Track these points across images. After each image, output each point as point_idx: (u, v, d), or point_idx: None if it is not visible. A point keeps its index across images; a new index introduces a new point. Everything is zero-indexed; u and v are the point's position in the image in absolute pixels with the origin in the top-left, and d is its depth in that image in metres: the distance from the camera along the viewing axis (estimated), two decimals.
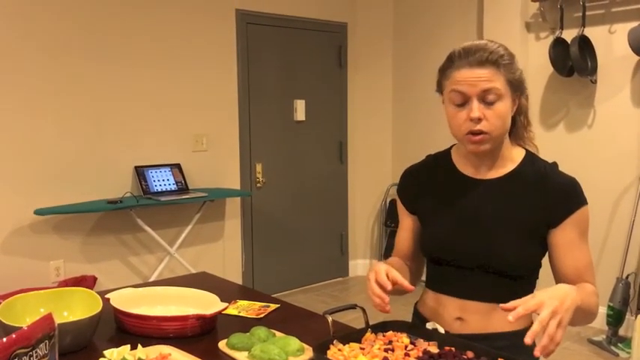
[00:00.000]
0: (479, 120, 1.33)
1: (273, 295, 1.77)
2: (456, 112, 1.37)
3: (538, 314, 1.14)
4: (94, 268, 3.71)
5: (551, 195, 1.38)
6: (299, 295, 4.56)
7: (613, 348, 3.48)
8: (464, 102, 1.35)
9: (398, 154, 5.05)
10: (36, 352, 0.96)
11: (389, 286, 1.30)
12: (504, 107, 1.35)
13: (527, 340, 1.10)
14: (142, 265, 3.92)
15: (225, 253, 4.33)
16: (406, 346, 1.32)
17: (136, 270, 3.89)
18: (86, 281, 3.55)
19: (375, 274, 1.33)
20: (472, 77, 1.33)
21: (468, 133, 1.36)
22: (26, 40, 3.39)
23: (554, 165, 1.44)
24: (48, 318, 1.02)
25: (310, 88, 4.72)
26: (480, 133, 1.34)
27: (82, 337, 1.35)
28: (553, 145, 3.91)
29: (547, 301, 1.15)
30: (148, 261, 3.94)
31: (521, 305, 1.15)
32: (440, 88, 1.44)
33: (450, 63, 1.38)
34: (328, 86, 4.85)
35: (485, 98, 1.33)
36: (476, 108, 1.33)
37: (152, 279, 3.78)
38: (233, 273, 4.33)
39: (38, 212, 3.31)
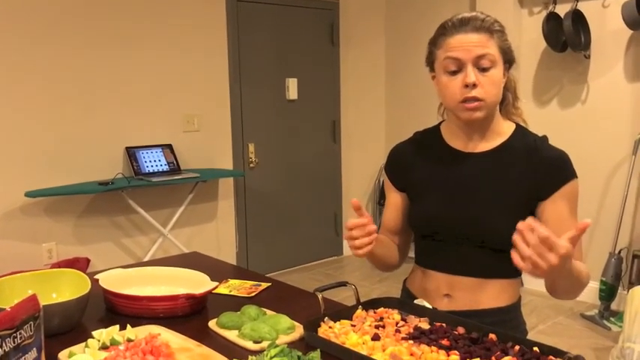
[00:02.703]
0: (474, 86, 1.32)
1: (267, 275, 1.76)
2: (450, 80, 1.36)
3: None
4: (87, 250, 3.69)
5: (541, 168, 1.38)
6: (293, 275, 4.56)
7: (605, 322, 3.51)
8: (458, 69, 1.34)
9: (391, 133, 5.03)
10: (20, 333, 0.95)
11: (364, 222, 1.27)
12: (498, 74, 1.36)
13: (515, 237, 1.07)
14: (135, 247, 3.91)
15: (218, 233, 4.33)
16: (397, 323, 1.32)
17: (129, 251, 3.88)
18: (79, 263, 3.54)
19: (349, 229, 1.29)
20: (467, 42, 1.33)
21: (462, 101, 1.34)
22: (12, 21, 3.32)
23: (545, 138, 1.43)
24: (32, 299, 1.00)
25: (302, 67, 4.67)
26: (475, 100, 1.33)
27: (71, 319, 1.34)
28: (546, 121, 3.89)
29: (560, 258, 1.07)
30: (141, 242, 3.93)
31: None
32: (430, 60, 1.43)
33: (443, 31, 1.38)
34: (320, 64, 4.81)
35: (480, 64, 1.33)
36: (471, 73, 1.32)
37: (145, 260, 3.78)
38: (227, 253, 4.33)
39: (29, 194, 3.29)
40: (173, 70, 3.96)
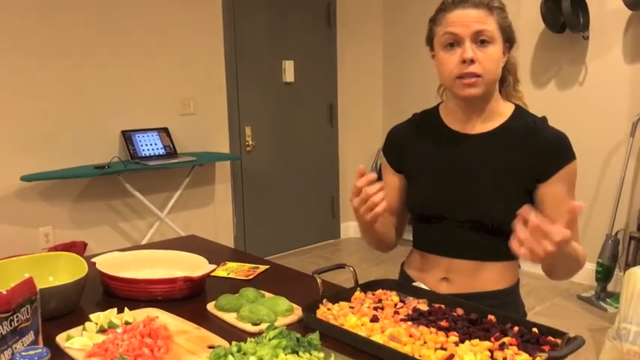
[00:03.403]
0: (471, 61, 1.31)
1: (265, 258, 1.76)
2: (448, 55, 1.35)
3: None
4: (84, 234, 3.68)
5: (540, 149, 1.37)
6: (291, 258, 4.57)
7: (601, 303, 3.53)
8: (456, 44, 1.34)
9: (389, 115, 5.01)
10: (17, 316, 0.94)
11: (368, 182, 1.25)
12: (496, 51, 1.35)
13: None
14: (132, 231, 3.90)
15: (216, 217, 4.32)
16: (396, 305, 1.31)
17: (126, 235, 3.88)
18: (76, 247, 3.53)
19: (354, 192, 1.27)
20: (465, 18, 1.32)
21: (459, 77, 1.33)
22: (8, 6, 3.28)
23: (544, 119, 1.42)
24: (28, 282, 0.99)
25: (299, 48, 4.63)
26: (472, 76, 1.32)
27: (68, 302, 1.34)
28: (544, 102, 3.87)
29: (558, 244, 1.07)
30: (139, 226, 3.92)
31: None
32: (430, 38, 1.42)
33: (443, 7, 1.38)
34: (317, 46, 4.77)
35: (478, 40, 1.32)
36: (469, 48, 1.31)
37: (143, 244, 3.77)
38: (225, 237, 4.32)
39: (24, 178, 3.27)
40: (169, 53, 3.92)
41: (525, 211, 1.07)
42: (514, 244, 1.09)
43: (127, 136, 3.74)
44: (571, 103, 3.87)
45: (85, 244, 3.62)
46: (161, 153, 3.81)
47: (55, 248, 3.47)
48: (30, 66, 3.40)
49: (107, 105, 3.71)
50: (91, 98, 3.64)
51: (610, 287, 3.64)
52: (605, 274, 3.56)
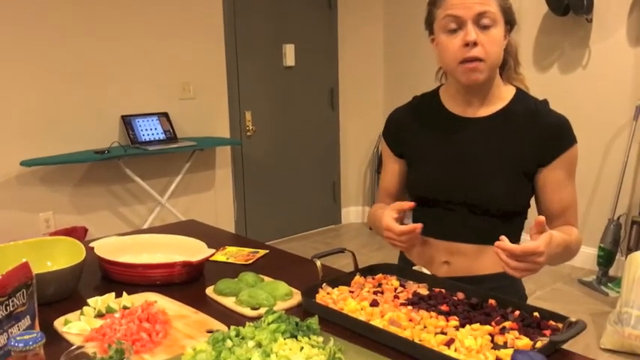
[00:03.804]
0: (474, 44, 1.29)
1: (265, 243, 1.75)
2: (450, 39, 1.32)
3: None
4: (85, 219, 3.68)
5: (541, 134, 1.35)
6: (292, 243, 4.57)
7: (603, 288, 3.52)
8: (458, 27, 1.31)
9: (390, 100, 4.97)
10: (12, 301, 0.93)
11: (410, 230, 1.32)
12: (499, 34, 1.32)
13: (497, 243, 1.16)
14: (132, 216, 3.90)
15: (217, 202, 4.31)
16: (396, 289, 1.31)
17: (127, 220, 3.87)
18: (77, 232, 3.53)
19: (391, 233, 1.33)
20: (467, 0, 1.29)
21: (462, 62, 1.31)
22: None
23: (545, 102, 1.40)
24: (24, 267, 0.98)
25: (299, 32, 4.59)
26: (475, 60, 1.29)
27: (66, 287, 1.33)
28: (546, 86, 3.84)
29: (544, 254, 1.16)
30: (139, 211, 3.92)
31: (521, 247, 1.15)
32: (430, 21, 1.39)
33: None
34: (318, 29, 4.72)
35: (480, 22, 1.30)
36: (471, 31, 1.29)
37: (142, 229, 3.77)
38: (225, 222, 4.32)
39: (24, 164, 3.26)
40: (168, 37, 3.89)
41: (501, 243, 1.15)
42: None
43: (127, 121, 3.72)
44: (574, 86, 3.83)
45: (86, 230, 3.62)
46: (161, 138, 3.79)
47: (56, 233, 3.47)
48: (29, 51, 3.37)
49: (107, 90, 3.68)
50: (91, 83, 3.62)
51: (611, 272, 3.63)
52: (606, 258, 3.55)
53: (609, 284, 3.55)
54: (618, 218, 3.59)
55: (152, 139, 3.75)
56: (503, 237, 1.16)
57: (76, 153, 3.51)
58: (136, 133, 3.71)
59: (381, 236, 1.54)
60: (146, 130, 3.76)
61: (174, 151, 3.80)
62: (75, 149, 3.54)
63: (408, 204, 1.36)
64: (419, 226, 1.31)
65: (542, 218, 1.16)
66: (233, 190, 4.40)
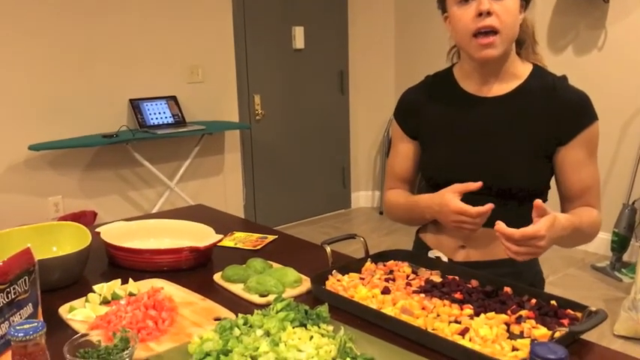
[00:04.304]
0: (488, 14, 1.24)
1: (274, 228, 1.72)
2: (462, 10, 1.27)
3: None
4: (94, 204, 3.67)
5: (560, 111, 1.30)
6: (301, 228, 4.54)
7: (616, 274, 3.47)
8: None
9: (401, 83, 4.90)
10: (14, 288, 0.91)
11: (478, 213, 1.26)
12: (514, 4, 1.27)
13: (496, 227, 1.14)
14: (142, 200, 3.88)
15: (226, 186, 4.29)
16: (408, 276, 1.27)
17: (136, 204, 3.86)
18: (86, 217, 3.52)
19: (459, 212, 1.27)
20: None
21: (476, 34, 1.26)
22: None
23: (564, 78, 1.35)
24: (26, 252, 0.96)
25: (309, 14, 4.52)
26: (490, 32, 1.24)
27: (71, 273, 1.31)
28: (561, 68, 3.73)
29: (545, 238, 1.13)
30: (148, 195, 3.90)
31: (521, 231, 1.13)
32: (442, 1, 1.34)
33: None
34: (327, 11, 4.65)
35: None
36: (485, 0, 1.24)
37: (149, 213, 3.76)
38: (234, 206, 4.30)
39: (33, 148, 3.24)
40: (176, 20, 3.84)
41: (500, 227, 1.13)
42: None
43: (135, 105, 3.69)
44: (589, 68, 3.75)
45: (95, 214, 3.61)
46: (170, 122, 3.76)
47: (65, 218, 3.46)
48: (37, 35, 3.34)
49: (115, 73, 3.65)
50: (99, 66, 3.59)
51: (625, 257, 3.58)
52: (620, 243, 3.50)
53: (623, 270, 3.50)
54: (633, 203, 3.53)
55: (161, 123, 3.72)
56: (499, 222, 1.14)
57: (85, 137, 3.49)
58: (145, 117, 3.68)
59: (416, 224, 1.51)
60: (155, 113, 3.73)
61: (183, 135, 3.77)
62: (83, 133, 3.52)
63: (475, 184, 1.27)
64: (491, 205, 1.24)
65: (539, 202, 1.14)
66: (242, 174, 4.37)
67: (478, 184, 1.27)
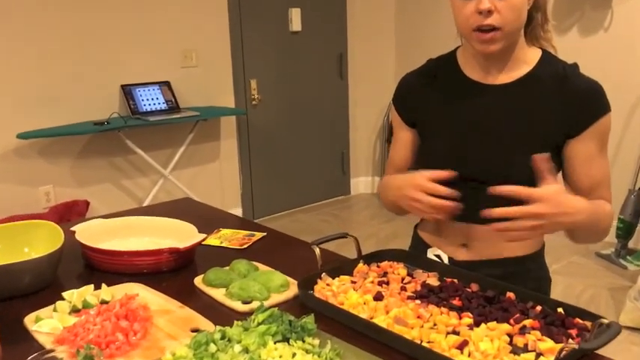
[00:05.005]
0: (489, 13, 1.13)
1: (273, 215, 1.63)
2: (463, 3, 1.16)
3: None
4: (86, 193, 3.58)
5: (571, 101, 1.20)
6: (300, 215, 4.46)
7: (622, 261, 3.39)
8: None
9: (401, 67, 4.78)
10: None
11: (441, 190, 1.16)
12: None
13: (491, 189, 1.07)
14: (135, 188, 3.80)
15: (222, 174, 4.20)
16: (403, 279, 1.18)
17: (129, 193, 3.78)
18: (78, 206, 3.43)
19: (418, 187, 1.16)
20: None
21: (476, 30, 1.15)
22: None
23: (575, 66, 1.25)
24: None
25: None
26: (490, 29, 1.14)
27: (42, 277, 1.22)
28: (565, 50, 3.61)
29: (548, 202, 1.05)
30: (142, 184, 3.81)
31: (515, 188, 1.05)
32: None
33: None
34: None
35: None
36: None
37: (147, 202, 3.68)
38: (231, 194, 4.22)
39: (21, 136, 3.15)
40: (169, 1, 3.72)
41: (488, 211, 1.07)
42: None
43: (127, 91, 3.59)
44: (595, 50, 3.63)
45: (88, 203, 3.52)
46: (163, 108, 3.66)
47: (57, 207, 3.38)
48: (25, 20, 3.23)
49: (105, 58, 3.54)
50: (89, 51, 3.47)
51: (631, 244, 3.49)
52: (626, 230, 3.41)
53: (628, 257, 3.42)
54: (639, 189, 3.44)
55: (153, 109, 3.62)
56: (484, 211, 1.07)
57: (74, 125, 3.40)
58: (137, 104, 3.58)
59: (400, 213, 1.40)
60: (147, 100, 3.63)
61: (177, 122, 3.67)
62: (73, 121, 3.42)
63: (446, 173, 1.17)
64: (454, 192, 1.15)
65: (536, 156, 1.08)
66: (239, 161, 4.28)
67: (448, 173, 1.17)
